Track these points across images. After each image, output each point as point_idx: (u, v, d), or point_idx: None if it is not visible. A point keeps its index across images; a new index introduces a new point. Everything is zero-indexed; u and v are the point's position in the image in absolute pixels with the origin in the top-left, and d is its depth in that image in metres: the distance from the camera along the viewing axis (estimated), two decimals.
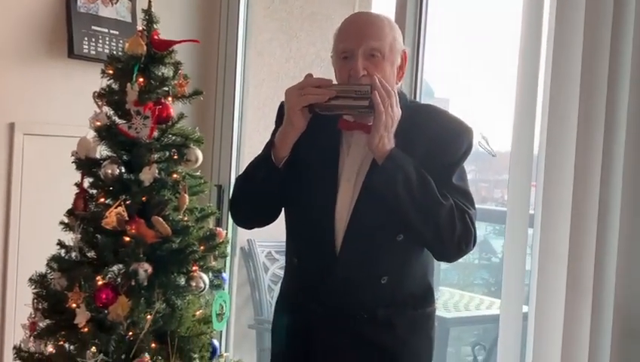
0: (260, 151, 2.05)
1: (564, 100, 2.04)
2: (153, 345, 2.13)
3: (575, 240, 1.99)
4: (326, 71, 2.06)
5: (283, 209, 2.09)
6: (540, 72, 2.16)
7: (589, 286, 1.96)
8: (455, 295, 4.45)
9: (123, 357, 2.13)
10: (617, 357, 1.90)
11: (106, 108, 2.29)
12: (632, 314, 1.88)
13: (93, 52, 3.06)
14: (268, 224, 2.16)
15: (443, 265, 4.42)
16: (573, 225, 2.00)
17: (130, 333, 2.11)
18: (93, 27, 3.07)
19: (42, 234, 2.39)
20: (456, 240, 1.91)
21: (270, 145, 2.00)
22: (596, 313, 1.94)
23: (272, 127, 2.08)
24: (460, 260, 1.98)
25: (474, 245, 1.99)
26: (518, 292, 2.22)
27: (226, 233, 2.36)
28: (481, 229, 4.46)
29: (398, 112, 1.87)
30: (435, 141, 1.95)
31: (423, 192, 1.87)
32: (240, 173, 2.29)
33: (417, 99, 2.80)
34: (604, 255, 1.93)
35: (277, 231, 2.15)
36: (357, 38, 1.90)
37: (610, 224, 1.92)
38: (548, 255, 2.07)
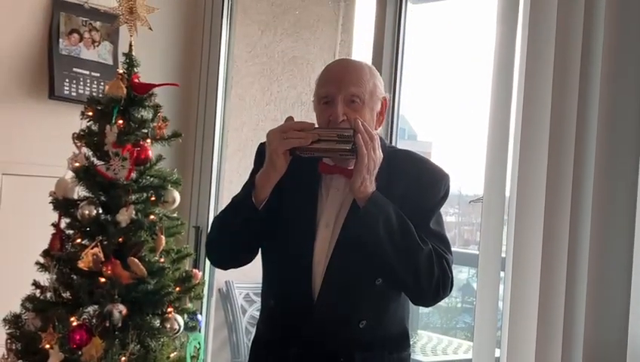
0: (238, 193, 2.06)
1: (535, 144, 2.09)
2: None
3: (545, 283, 2.01)
4: (307, 114, 2.09)
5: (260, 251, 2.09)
6: (510, 117, 2.21)
7: (560, 328, 1.98)
8: (433, 339, 4.44)
9: None
10: None
11: (84, 150, 2.31)
12: (600, 358, 1.90)
13: (74, 93, 3.09)
14: (244, 265, 2.16)
15: (424, 309, 4.42)
16: (543, 268, 2.02)
17: None
18: (74, 69, 3.10)
19: (18, 274, 2.37)
20: (434, 285, 1.91)
21: (249, 186, 2.01)
22: (566, 356, 1.96)
23: (252, 168, 2.10)
24: (443, 304, 2.00)
25: (450, 290, 2.00)
26: (490, 335, 2.23)
27: (202, 274, 2.36)
28: (464, 273, 4.48)
29: (380, 156, 1.89)
30: (414, 186, 1.96)
31: (403, 236, 1.87)
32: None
33: (393, 142, 2.84)
34: (574, 298, 1.96)
35: (255, 272, 2.16)
36: (337, 84, 1.92)
37: (579, 268, 1.95)
38: (519, 298, 2.09)
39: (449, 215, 4.82)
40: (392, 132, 2.85)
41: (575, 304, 1.95)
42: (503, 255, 2.22)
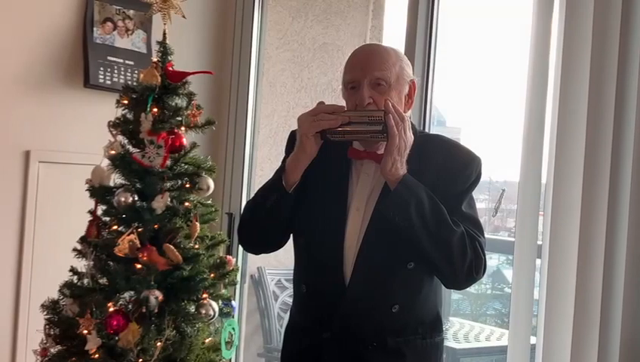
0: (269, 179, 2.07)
1: (572, 130, 2.07)
2: None
3: (582, 271, 1.99)
4: (337, 100, 2.09)
5: (291, 236, 2.10)
6: (547, 102, 2.18)
7: (597, 317, 1.96)
8: (465, 325, 4.43)
9: None
10: None
11: (120, 138, 2.33)
12: (638, 348, 1.88)
13: (109, 82, 3.11)
14: (275, 250, 2.17)
15: (455, 295, 4.40)
16: (580, 256, 2.00)
17: (140, 360, 2.13)
18: (108, 57, 3.13)
19: (55, 261, 2.41)
20: (467, 267, 1.90)
21: (280, 171, 2.02)
22: (603, 344, 1.94)
23: (283, 155, 2.11)
24: (472, 290, 1.99)
25: (484, 273, 1.99)
26: (526, 323, 2.22)
27: (236, 261, 2.38)
28: (494, 259, 4.46)
29: (410, 137, 1.89)
30: (445, 170, 1.96)
31: (435, 218, 1.87)
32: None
33: (426, 129, 2.82)
34: (612, 286, 1.94)
35: (287, 258, 2.17)
36: (362, 69, 1.93)
37: (617, 255, 1.93)
38: (555, 285, 2.08)
39: (479, 201, 4.80)
40: (425, 118, 2.84)
41: (613, 292, 1.93)
42: (539, 242, 2.20)
